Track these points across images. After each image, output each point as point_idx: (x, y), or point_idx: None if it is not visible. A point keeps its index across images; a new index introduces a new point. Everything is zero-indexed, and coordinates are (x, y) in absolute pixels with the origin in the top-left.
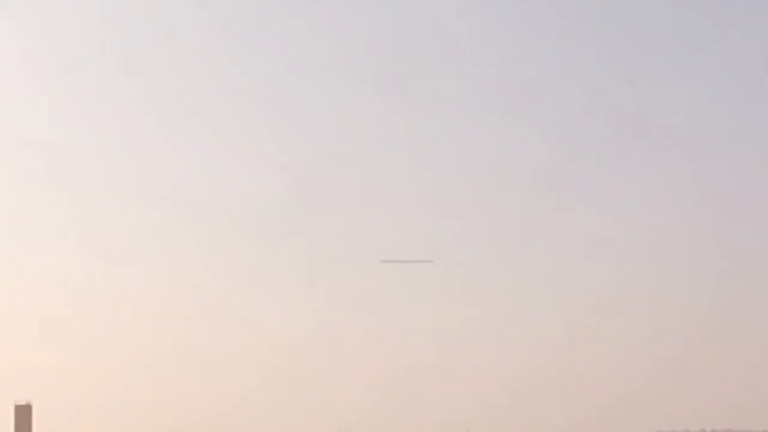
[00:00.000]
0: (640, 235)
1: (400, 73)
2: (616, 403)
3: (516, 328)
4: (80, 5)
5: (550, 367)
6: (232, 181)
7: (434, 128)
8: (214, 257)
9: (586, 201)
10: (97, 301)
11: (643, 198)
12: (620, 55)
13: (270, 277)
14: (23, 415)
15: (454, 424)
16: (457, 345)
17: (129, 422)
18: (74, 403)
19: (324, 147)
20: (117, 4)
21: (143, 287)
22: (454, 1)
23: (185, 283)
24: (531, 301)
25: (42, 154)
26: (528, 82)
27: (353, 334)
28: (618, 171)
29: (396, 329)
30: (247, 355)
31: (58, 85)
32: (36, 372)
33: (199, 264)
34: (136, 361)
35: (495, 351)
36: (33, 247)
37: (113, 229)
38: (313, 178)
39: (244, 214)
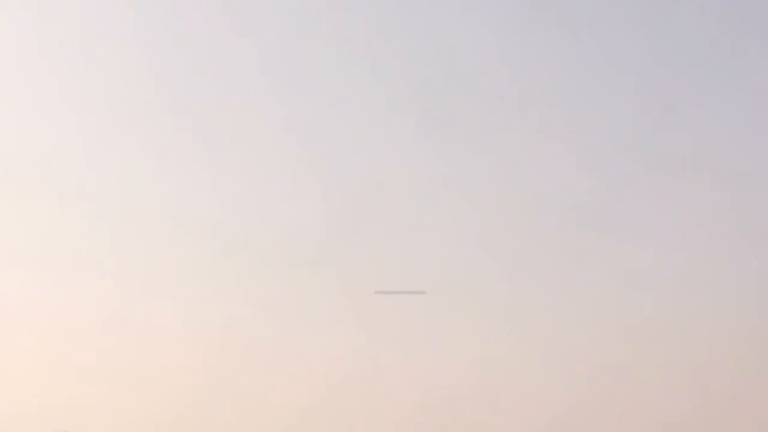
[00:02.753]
0: (680, 268)
1: (437, 104)
2: None
3: (553, 361)
4: (117, 34)
5: (586, 402)
6: (270, 214)
7: (472, 160)
8: (250, 289)
9: (624, 233)
10: (135, 332)
11: (682, 231)
12: (659, 85)
13: (307, 310)
14: None
15: None
16: (495, 378)
17: None
18: None
19: (361, 179)
20: (155, 34)
21: (180, 318)
22: (494, 33)
23: (221, 315)
24: (567, 335)
25: (79, 187)
26: (566, 114)
27: (393, 367)
28: (657, 203)
29: (437, 361)
30: (284, 387)
31: (94, 117)
32: (73, 401)
33: (236, 296)
34: (172, 392)
35: (531, 384)
36: (72, 279)
37: (151, 260)
38: (350, 210)
39: (281, 246)
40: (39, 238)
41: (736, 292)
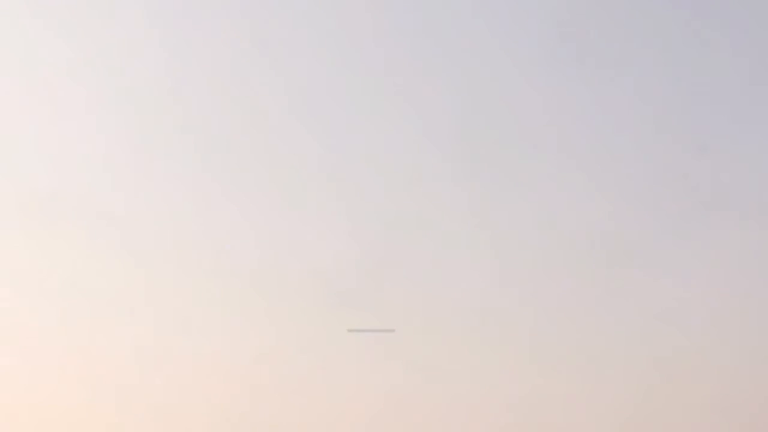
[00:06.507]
0: (709, 305)
1: (469, 140)
2: None
3: (583, 398)
4: (153, 67)
5: None
6: (303, 250)
7: (503, 196)
8: (284, 326)
9: (653, 270)
10: (167, 368)
11: (712, 268)
12: (689, 123)
13: (341, 347)
14: None
15: None
16: (523, 417)
17: None
18: None
19: (394, 216)
20: (192, 69)
21: (215, 355)
22: (526, 70)
23: (256, 351)
24: (596, 371)
25: (114, 225)
26: (596, 150)
27: (428, 404)
28: (686, 240)
29: (468, 398)
30: (317, 423)
31: (128, 153)
32: None
33: (270, 332)
34: (209, 427)
35: (557, 423)
36: (103, 315)
37: (182, 296)
38: (383, 247)
39: (314, 282)
40: (70, 274)
41: (766, 330)
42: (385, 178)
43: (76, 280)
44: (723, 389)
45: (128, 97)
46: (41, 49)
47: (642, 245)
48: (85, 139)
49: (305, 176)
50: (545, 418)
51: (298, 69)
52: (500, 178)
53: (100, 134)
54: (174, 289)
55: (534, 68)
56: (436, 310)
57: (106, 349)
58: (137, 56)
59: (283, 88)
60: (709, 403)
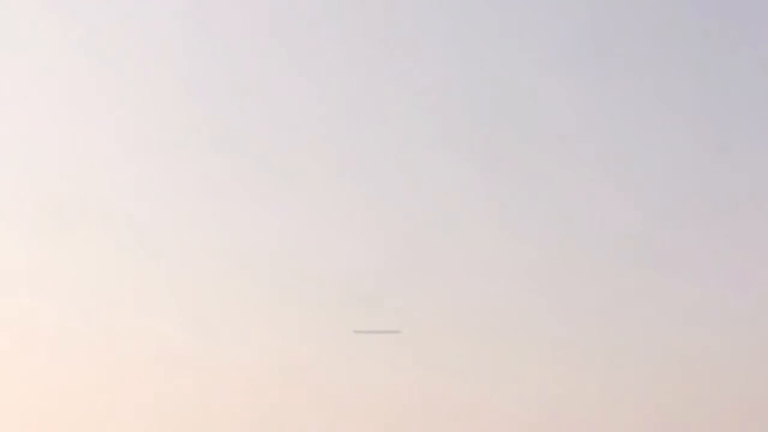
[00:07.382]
0: (734, 307)
1: (492, 141)
2: None
3: (604, 400)
4: (171, 70)
5: None
6: (326, 252)
7: (526, 197)
8: (307, 328)
9: (677, 271)
10: (191, 370)
11: (736, 269)
12: (712, 123)
13: (365, 349)
14: None
15: None
16: (544, 419)
17: None
18: None
19: (419, 218)
20: (210, 70)
21: (237, 357)
22: (548, 70)
23: (278, 354)
24: (618, 373)
25: (133, 227)
26: (619, 151)
27: (452, 405)
28: (710, 241)
29: (495, 399)
30: (342, 425)
31: (147, 154)
32: None
33: (292, 334)
34: (228, 425)
35: (578, 425)
36: (127, 317)
37: (207, 299)
38: (407, 250)
39: (338, 285)
40: (89, 275)
41: None
42: (406, 179)
43: (96, 280)
44: (747, 390)
45: (148, 99)
46: (60, 51)
47: (664, 246)
48: (103, 140)
49: (326, 178)
50: (566, 420)
51: (321, 70)
52: (522, 181)
53: (118, 135)
54: (193, 290)
55: (555, 70)
56: (458, 311)
57: (125, 349)
58: (157, 58)
59: (305, 89)
60: (733, 404)
